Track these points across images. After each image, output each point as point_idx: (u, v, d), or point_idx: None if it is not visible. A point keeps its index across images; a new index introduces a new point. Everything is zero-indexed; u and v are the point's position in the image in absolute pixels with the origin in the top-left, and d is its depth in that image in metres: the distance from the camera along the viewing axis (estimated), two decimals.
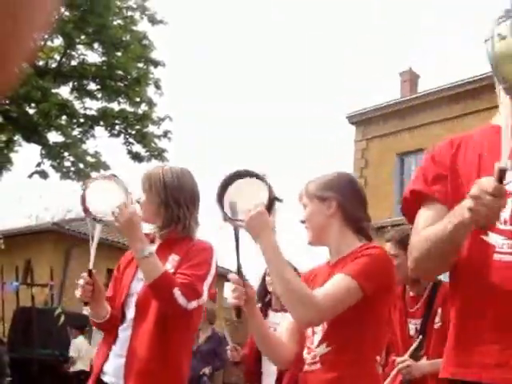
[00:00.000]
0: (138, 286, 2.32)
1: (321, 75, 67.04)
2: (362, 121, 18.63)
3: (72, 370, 9.62)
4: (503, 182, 1.32)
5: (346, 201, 2.03)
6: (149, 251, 2.17)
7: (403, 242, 2.92)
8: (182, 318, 2.23)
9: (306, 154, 61.93)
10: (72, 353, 9.64)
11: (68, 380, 9.95)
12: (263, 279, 3.83)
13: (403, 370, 2.89)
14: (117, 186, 2.33)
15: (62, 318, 10.09)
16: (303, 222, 2.08)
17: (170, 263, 2.29)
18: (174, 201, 2.35)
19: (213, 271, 2.32)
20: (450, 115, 16.16)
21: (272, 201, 1.89)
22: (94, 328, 11.48)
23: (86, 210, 2.34)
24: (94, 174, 13.07)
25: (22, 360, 9.57)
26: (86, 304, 2.29)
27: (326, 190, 2.05)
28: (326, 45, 59.68)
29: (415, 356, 2.93)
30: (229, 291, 1.89)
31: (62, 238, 17.62)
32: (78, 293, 2.27)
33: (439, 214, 1.57)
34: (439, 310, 2.97)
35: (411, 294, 3.10)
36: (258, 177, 1.91)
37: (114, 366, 2.27)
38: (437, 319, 2.98)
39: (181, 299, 2.14)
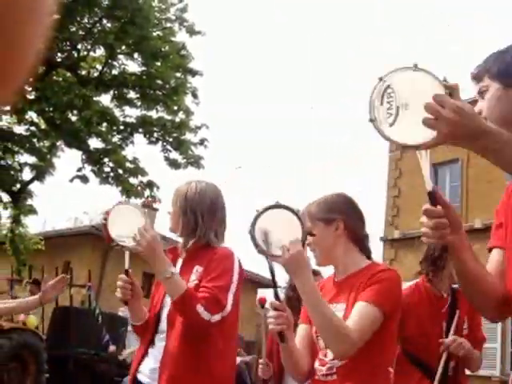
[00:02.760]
0: (170, 299, 2.39)
1: (354, 85, 66.70)
2: None
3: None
4: (434, 203, 1.42)
5: (351, 221, 2.10)
6: (170, 272, 2.25)
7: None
8: (208, 330, 2.29)
9: (339, 163, 61.57)
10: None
11: (102, 379, 10.21)
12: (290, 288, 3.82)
13: (457, 347, 2.88)
14: (135, 210, 2.43)
15: (100, 318, 10.35)
16: (309, 244, 2.10)
17: (195, 274, 2.37)
18: (191, 211, 2.47)
19: (236, 279, 2.37)
20: None
21: (305, 236, 1.92)
22: (128, 330, 11.75)
23: (109, 238, 2.46)
24: (132, 180, 13.41)
25: (59, 357, 9.76)
26: (126, 303, 2.44)
27: (331, 212, 2.10)
28: (359, 54, 59.38)
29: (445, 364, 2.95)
30: (271, 318, 1.93)
31: (99, 241, 18.01)
32: (118, 293, 2.43)
33: (497, 258, 1.66)
34: (465, 317, 3.02)
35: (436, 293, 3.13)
36: (291, 210, 1.93)
37: (149, 367, 2.41)
38: (465, 325, 3.02)
39: (204, 314, 2.21)
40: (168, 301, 2.41)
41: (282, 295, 2.02)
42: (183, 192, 2.53)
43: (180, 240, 2.58)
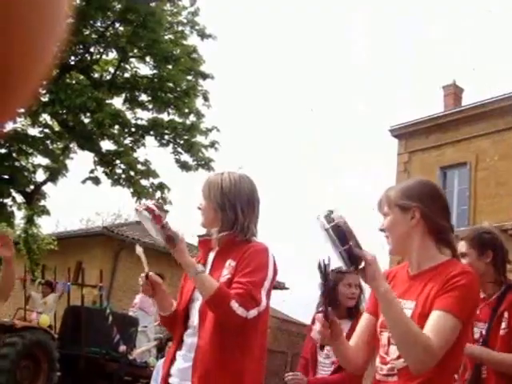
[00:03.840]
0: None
1: (363, 88, 66.53)
2: (404, 134, 18.48)
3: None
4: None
5: (429, 210, 1.94)
6: (194, 272, 2.19)
7: (475, 241, 2.86)
8: (244, 326, 2.21)
9: (348, 167, 61.45)
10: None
11: (113, 378, 10.30)
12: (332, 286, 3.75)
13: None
14: (146, 215, 2.29)
15: (111, 318, 10.45)
16: (382, 230, 2.01)
17: (227, 269, 2.28)
18: (230, 205, 2.35)
19: (270, 274, 2.28)
20: (493, 129, 15.97)
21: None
22: (139, 330, 11.84)
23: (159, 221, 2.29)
24: (143, 182, 13.52)
25: (71, 356, 9.85)
26: (152, 296, 2.43)
27: (409, 198, 1.96)
28: (368, 58, 59.25)
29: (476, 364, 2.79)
30: (316, 331, 1.86)
31: (111, 242, 18.13)
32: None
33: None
34: (506, 315, 2.79)
35: (482, 295, 2.79)
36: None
37: (179, 368, 2.32)
38: (503, 325, 2.79)
39: (240, 310, 2.14)
40: (198, 295, 2.32)
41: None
42: (216, 184, 2.40)
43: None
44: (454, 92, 18.97)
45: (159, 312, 2.48)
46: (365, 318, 2.06)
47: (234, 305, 2.13)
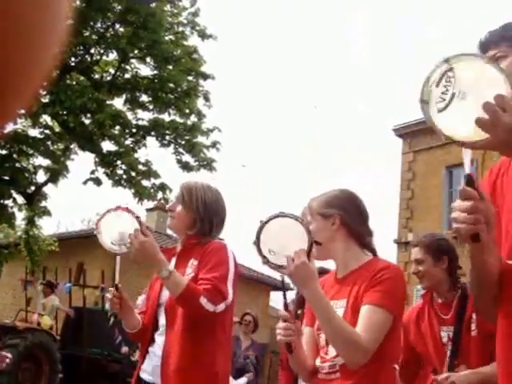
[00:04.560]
0: (165, 295, 2.46)
1: (363, 88, 66.53)
2: (408, 133, 18.50)
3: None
4: (471, 186, 1.27)
5: (348, 217, 2.07)
6: (168, 271, 2.27)
7: (431, 247, 2.92)
8: (213, 321, 2.33)
9: (348, 167, 61.42)
10: None
11: (115, 379, 10.30)
12: None
13: None
14: (126, 215, 2.42)
15: (112, 319, 10.45)
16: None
17: (190, 268, 2.42)
18: (209, 220, 2.52)
19: (232, 269, 2.40)
20: None
21: (311, 245, 1.87)
22: None
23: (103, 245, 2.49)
24: (144, 182, 13.51)
25: (73, 357, 9.90)
26: (115, 316, 2.58)
27: (329, 207, 2.08)
28: (368, 58, 59.22)
29: (451, 366, 2.78)
30: (280, 329, 1.90)
31: None
32: (109, 307, 2.52)
33: None
34: (474, 316, 2.81)
35: (439, 300, 2.94)
36: (296, 219, 1.89)
37: (151, 365, 2.45)
38: (473, 326, 2.83)
39: (208, 305, 2.25)
40: (163, 297, 2.46)
41: (291, 305, 2.02)
42: (201, 197, 2.54)
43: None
44: None
45: (126, 328, 2.57)
46: (305, 333, 2.12)
47: (203, 300, 2.23)
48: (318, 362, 2.04)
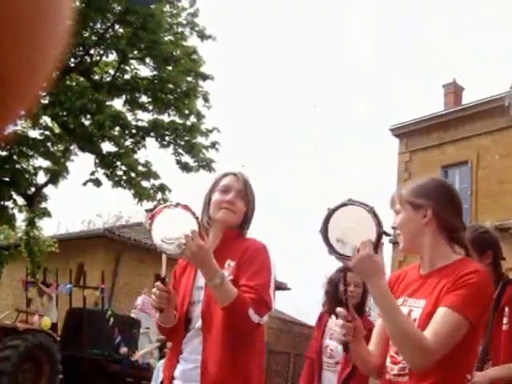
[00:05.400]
0: (199, 294, 2.29)
1: (363, 88, 66.57)
2: (405, 133, 18.46)
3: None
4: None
5: (441, 209, 1.91)
6: (220, 279, 2.08)
7: (475, 242, 2.70)
8: (255, 332, 2.20)
9: (348, 166, 61.47)
10: None
11: (115, 380, 10.30)
12: (334, 285, 3.73)
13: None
14: (184, 214, 2.21)
15: (112, 320, 10.45)
16: (394, 228, 1.98)
17: (227, 270, 2.22)
18: (253, 213, 2.43)
19: (273, 273, 2.25)
20: (494, 127, 15.93)
21: (380, 236, 1.76)
22: (140, 332, 11.82)
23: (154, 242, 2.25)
24: (144, 183, 13.53)
25: (73, 358, 9.88)
26: (161, 311, 2.23)
27: (421, 196, 1.93)
28: (370, 57, 59.27)
29: (482, 361, 2.66)
30: (337, 327, 1.82)
31: (112, 244, 18.12)
32: (153, 301, 2.23)
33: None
34: (506, 309, 2.74)
35: None
36: (366, 208, 1.78)
37: (182, 370, 2.26)
38: (505, 320, 2.74)
39: (255, 317, 2.10)
40: (198, 295, 2.30)
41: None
42: (253, 191, 2.42)
43: None
44: (454, 90, 18.97)
45: (161, 323, 2.34)
46: (378, 324, 2.02)
47: (251, 312, 2.09)
48: (387, 362, 1.91)
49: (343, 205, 1.79)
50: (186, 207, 2.21)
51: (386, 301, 1.74)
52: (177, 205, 2.22)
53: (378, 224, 1.75)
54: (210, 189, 2.42)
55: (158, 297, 2.20)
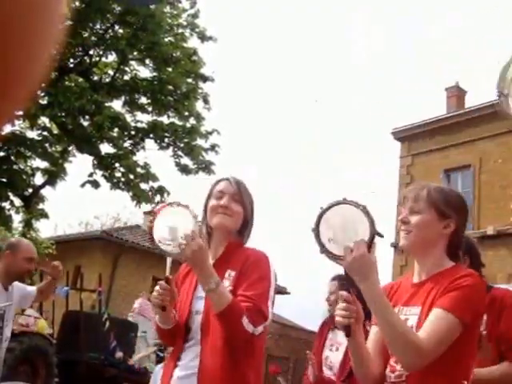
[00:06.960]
0: (199, 304, 2.27)
1: (363, 88, 66.65)
2: (407, 137, 18.47)
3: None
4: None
5: (462, 225, 1.92)
6: (215, 284, 2.07)
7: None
8: (249, 342, 2.15)
9: (348, 167, 61.48)
10: None
11: (112, 383, 10.21)
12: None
13: None
14: (184, 214, 2.22)
15: (107, 324, 10.37)
16: (405, 222, 1.93)
17: (228, 280, 2.21)
18: (252, 219, 2.40)
19: (273, 284, 2.22)
20: (497, 131, 15.92)
21: (373, 236, 1.74)
22: (138, 336, 11.72)
23: (151, 239, 2.29)
24: (143, 185, 13.44)
25: (69, 362, 9.81)
26: (163, 309, 2.23)
27: (450, 207, 1.91)
28: (370, 57, 59.34)
29: None
30: (339, 310, 1.80)
31: (110, 246, 18.07)
32: (154, 299, 2.21)
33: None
34: (484, 317, 2.66)
35: None
36: (360, 207, 1.76)
37: (179, 377, 2.24)
38: (481, 328, 2.66)
39: (249, 327, 2.07)
40: (198, 305, 2.28)
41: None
42: (251, 195, 2.40)
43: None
44: (457, 94, 18.95)
45: (161, 325, 2.31)
46: (373, 332, 2.00)
47: (245, 320, 2.07)
48: (386, 371, 1.89)
49: (336, 204, 1.78)
50: (186, 207, 2.23)
51: (379, 301, 1.73)
52: (177, 204, 2.25)
53: (372, 224, 1.74)
54: (206, 197, 2.42)
55: (161, 294, 2.20)
